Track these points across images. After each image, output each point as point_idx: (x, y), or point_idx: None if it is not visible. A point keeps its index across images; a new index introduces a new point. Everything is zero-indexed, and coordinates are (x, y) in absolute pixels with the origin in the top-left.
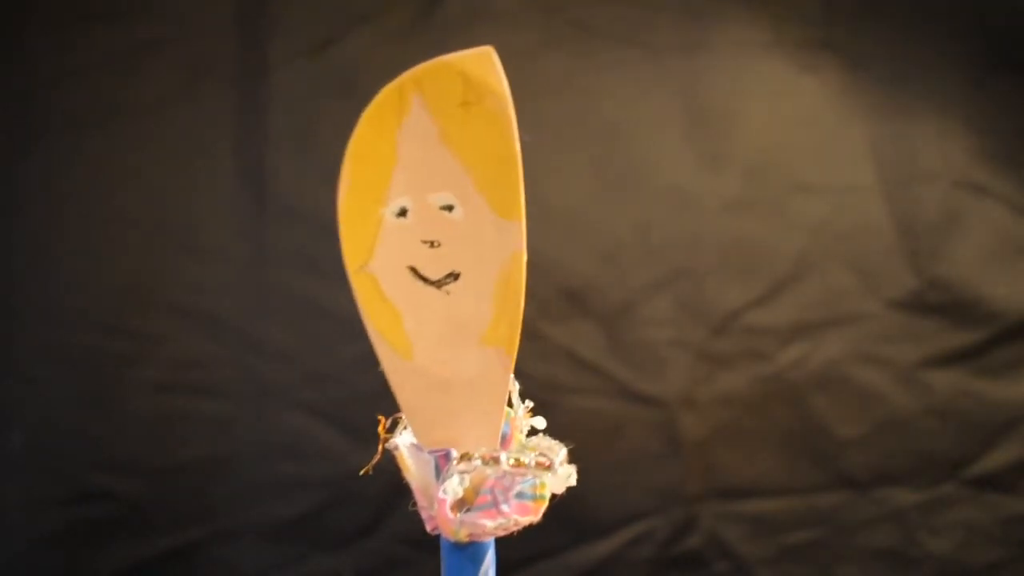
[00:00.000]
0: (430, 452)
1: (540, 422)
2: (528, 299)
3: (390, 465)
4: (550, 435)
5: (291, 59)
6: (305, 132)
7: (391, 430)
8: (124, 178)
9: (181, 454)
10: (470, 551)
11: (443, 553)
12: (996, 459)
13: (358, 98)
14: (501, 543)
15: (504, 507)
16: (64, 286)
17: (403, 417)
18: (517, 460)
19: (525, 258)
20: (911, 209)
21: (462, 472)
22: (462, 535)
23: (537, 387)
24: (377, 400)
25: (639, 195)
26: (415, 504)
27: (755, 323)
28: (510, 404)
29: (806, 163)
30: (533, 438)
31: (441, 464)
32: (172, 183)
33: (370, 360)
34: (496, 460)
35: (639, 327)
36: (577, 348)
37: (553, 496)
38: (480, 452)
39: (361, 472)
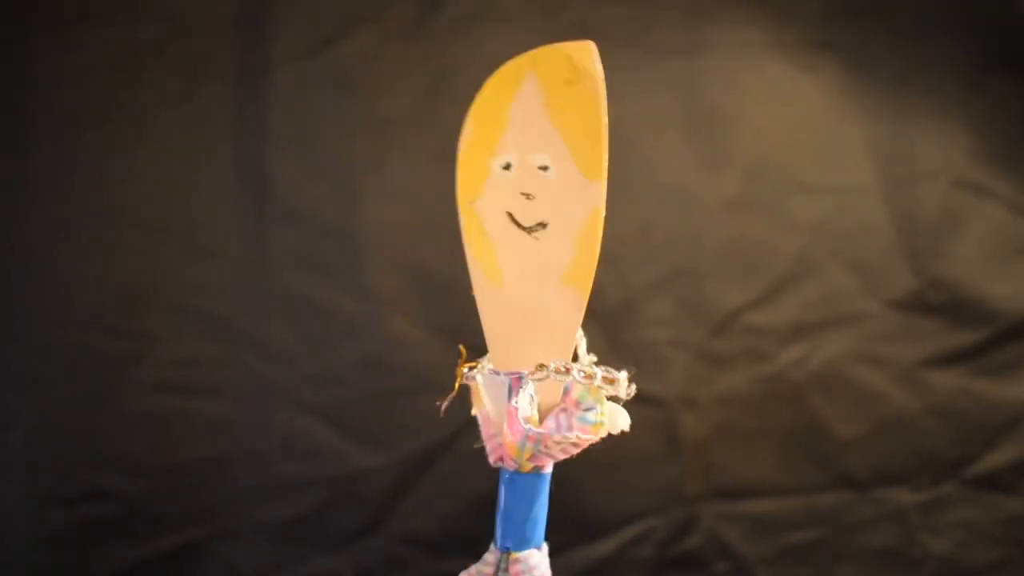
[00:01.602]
0: (505, 374)
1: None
2: None
3: (391, 466)
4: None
5: (291, 59)
6: (305, 132)
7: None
8: (124, 178)
9: (181, 454)
10: (528, 482)
11: (501, 485)
12: (996, 459)
13: (358, 98)
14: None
15: (566, 432)
16: (64, 286)
17: (479, 363)
18: (587, 372)
19: (603, 214)
20: (911, 209)
21: (537, 380)
22: (525, 458)
23: None
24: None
25: (639, 195)
26: (479, 442)
27: (755, 323)
28: (575, 358)
29: (806, 163)
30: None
31: (514, 385)
32: (172, 183)
33: (370, 361)
34: (568, 371)
35: (639, 327)
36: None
37: (608, 436)
38: (554, 364)
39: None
